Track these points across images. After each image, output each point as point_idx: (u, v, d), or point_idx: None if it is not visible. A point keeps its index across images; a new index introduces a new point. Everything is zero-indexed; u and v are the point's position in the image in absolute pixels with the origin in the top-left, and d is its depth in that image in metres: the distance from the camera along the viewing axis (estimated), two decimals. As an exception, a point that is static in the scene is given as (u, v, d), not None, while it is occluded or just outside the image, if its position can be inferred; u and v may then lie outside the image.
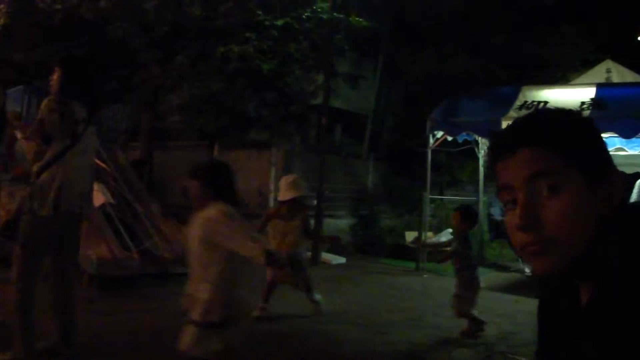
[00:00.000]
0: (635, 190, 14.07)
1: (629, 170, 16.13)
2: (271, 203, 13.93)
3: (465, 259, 7.48)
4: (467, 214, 7.80)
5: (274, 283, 7.54)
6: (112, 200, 10.43)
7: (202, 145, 15.25)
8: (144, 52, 14.31)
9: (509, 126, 1.29)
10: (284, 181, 7.61)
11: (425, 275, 11.97)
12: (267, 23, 13.86)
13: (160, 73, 14.58)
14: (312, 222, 12.82)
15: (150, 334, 6.80)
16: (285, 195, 7.39)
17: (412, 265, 12.79)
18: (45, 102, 5.14)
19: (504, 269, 12.86)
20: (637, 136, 10.70)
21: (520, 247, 1.22)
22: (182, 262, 10.10)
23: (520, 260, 11.32)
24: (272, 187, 14.02)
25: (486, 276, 11.41)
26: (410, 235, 14.54)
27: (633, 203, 1.31)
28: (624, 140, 11.84)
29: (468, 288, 7.40)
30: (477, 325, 7.28)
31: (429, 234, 13.89)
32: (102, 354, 5.97)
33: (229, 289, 3.97)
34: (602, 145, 1.26)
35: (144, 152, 15.27)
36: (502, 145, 1.25)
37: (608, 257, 1.12)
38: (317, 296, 8.01)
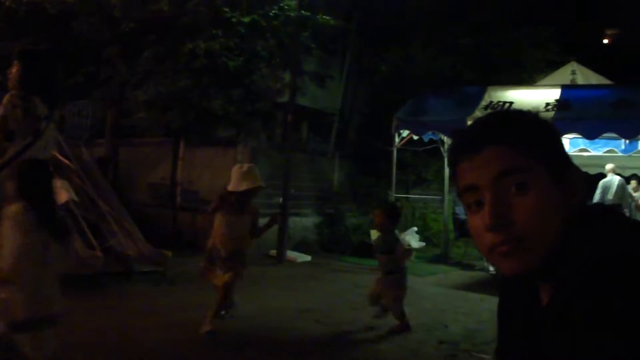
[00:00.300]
0: (598, 191, 14.32)
1: (592, 171, 16.40)
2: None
3: (396, 261, 7.48)
4: (391, 211, 7.86)
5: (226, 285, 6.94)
6: (75, 198, 10.30)
7: (168, 142, 15.15)
8: (110, 47, 14.18)
9: (472, 125, 1.29)
10: (237, 170, 6.80)
11: (390, 274, 12.00)
12: (234, 20, 13.79)
13: (126, 69, 14.45)
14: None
15: (112, 333, 6.76)
16: (237, 185, 6.63)
17: (377, 263, 12.78)
18: (7, 97, 5.01)
19: (469, 267, 12.96)
20: (601, 137, 10.85)
21: (489, 248, 1.20)
22: (146, 260, 10.11)
23: (485, 259, 11.41)
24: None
25: (451, 275, 11.55)
26: (375, 234, 14.58)
27: (596, 203, 1.32)
28: (587, 141, 12.00)
29: (401, 288, 7.55)
30: (405, 324, 7.41)
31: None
32: (63, 353, 5.91)
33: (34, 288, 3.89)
34: (562, 144, 1.27)
35: (109, 149, 15.12)
36: (467, 143, 1.24)
37: (571, 258, 1.11)
38: (236, 299, 7.40)
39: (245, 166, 6.96)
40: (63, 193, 9.96)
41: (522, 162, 1.16)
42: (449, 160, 1.31)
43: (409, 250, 14.04)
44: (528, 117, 1.26)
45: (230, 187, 6.73)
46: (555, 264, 1.15)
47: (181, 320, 7.46)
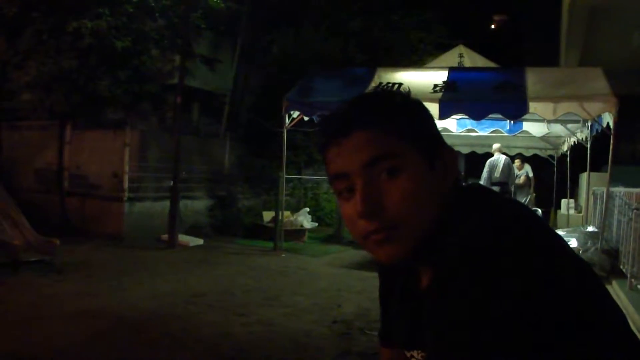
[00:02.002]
0: (485, 169, 14.81)
1: (479, 151, 16.97)
2: (126, 185, 13.62)
3: None
4: None
5: None
6: (-45, 185, 9.93)
7: (54, 125, 14.68)
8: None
9: (340, 108, 1.24)
10: None
11: (283, 255, 12.11)
12: (121, -2, 13.47)
13: (7, 48, 13.90)
14: (166, 204, 12.73)
15: (-1, 326, 6.55)
16: None
17: (270, 245, 12.89)
18: None
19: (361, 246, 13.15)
20: (487, 118, 11.18)
21: (363, 236, 1.17)
22: (33, 249, 9.80)
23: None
24: (127, 168, 13.70)
25: (344, 254, 11.71)
26: (268, 215, 14.65)
27: (470, 184, 1.32)
28: (474, 122, 12.33)
29: None
30: None
31: (287, 213, 14.02)
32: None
33: None
34: (433, 123, 1.26)
35: (-9, 133, 14.58)
36: (335, 128, 1.19)
37: (447, 240, 1.09)
38: None
39: None
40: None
41: (392, 147, 1.14)
42: (318, 146, 1.26)
43: (302, 230, 14.18)
44: (397, 98, 1.24)
45: None
46: (432, 247, 1.14)
47: (70, 310, 7.28)
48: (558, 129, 13.62)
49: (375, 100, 1.24)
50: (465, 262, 1.00)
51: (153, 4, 13.95)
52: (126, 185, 13.65)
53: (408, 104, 1.23)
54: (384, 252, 1.17)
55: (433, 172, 1.16)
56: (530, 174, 16.66)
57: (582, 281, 1.03)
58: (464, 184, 1.27)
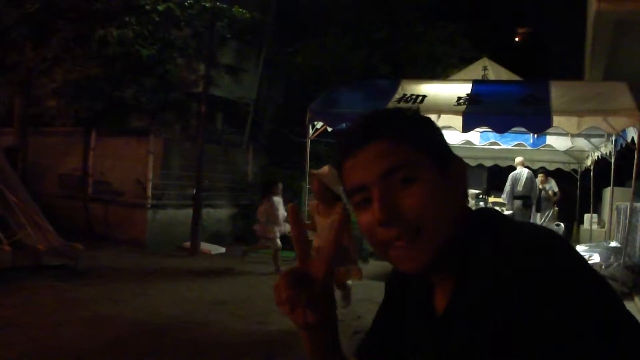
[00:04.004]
0: (508, 183, 14.74)
1: (502, 164, 16.88)
2: (149, 192, 13.71)
3: None
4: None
5: None
6: (-19, 190, 10.03)
7: (79, 131, 14.80)
8: (16, 29, 13.74)
9: (355, 122, 1.28)
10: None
11: (305, 265, 12.06)
12: (147, 7, 13.54)
13: (34, 55, 14.05)
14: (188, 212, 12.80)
15: (20, 329, 6.60)
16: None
17: (291, 254, 12.80)
18: None
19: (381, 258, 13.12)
20: (510, 131, 11.11)
21: (383, 245, 1.19)
22: (57, 254, 9.89)
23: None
24: (150, 175, 13.79)
25: (364, 265, 11.67)
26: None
27: (480, 208, 1.35)
28: (497, 135, 12.28)
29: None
30: None
31: (307, 223, 14.01)
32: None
33: None
34: (442, 135, 1.29)
35: (17, 138, 14.68)
36: (350, 141, 1.23)
37: (472, 258, 1.13)
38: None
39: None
40: (-32, 185, 9.70)
41: (405, 157, 1.17)
42: (334, 161, 1.29)
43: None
44: (408, 112, 1.28)
45: None
46: (452, 260, 1.18)
47: (91, 315, 7.34)
48: (582, 143, 13.51)
49: (387, 114, 1.27)
50: (525, 283, 1.02)
51: (179, 14, 14.05)
52: (149, 192, 13.75)
53: (418, 117, 1.28)
54: (408, 262, 1.19)
55: (445, 181, 1.19)
56: (555, 189, 16.54)
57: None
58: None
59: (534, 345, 0.98)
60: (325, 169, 6.34)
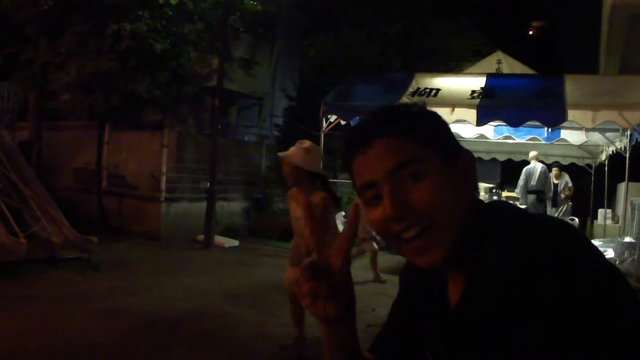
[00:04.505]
0: (521, 177, 14.67)
1: (516, 158, 16.80)
2: (163, 185, 13.76)
3: None
4: None
5: None
6: (-3, 183, 10.09)
7: (93, 125, 14.86)
8: (30, 25, 13.81)
9: (362, 120, 1.29)
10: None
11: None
12: (161, 1, 13.59)
13: (48, 50, 14.11)
14: (202, 205, 12.83)
15: (37, 321, 6.65)
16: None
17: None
18: None
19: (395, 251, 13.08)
20: (524, 125, 11.07)
21: (397, 241, 1.21)
22: (71, 246, 9.95)
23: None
24: (164, 169, 13.84)
25: (381, 259, 11.66)
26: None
27: (492, 201, 1.35)
28: (511, 129, 12.24)
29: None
30: None
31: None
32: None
33: None
34: (449, 129, 1.29)
35: (32, 132, 14.76)
36: (358, 138, 1.24)
37: (488, 252, 1.14)
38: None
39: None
40: (-16, 178, 9.76)
41: (413, 153, 1.18)
42: (343, 159, 1.30)
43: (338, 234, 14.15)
44: (413, 109, 1.28)
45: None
46: (465, 254, 1.18)
47: (106, 307, 7.39)
48: (596, 137, 13.42)
49: (394, 111, 1.27)
50: (543, 272, 1.03)
51: (192, 7, 14.08)
52: (163, 185, 13.79)
53: (424, 113, 1.28)
54: (423, 257, 1.19)
55: (454, 174, 1.20)
56: (570, 184, 16.45)
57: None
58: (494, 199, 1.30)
59: (554, 333, 0.99)
60: (293, 149, 5.75)
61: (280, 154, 5.68)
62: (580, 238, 1.09)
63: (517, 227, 1.13)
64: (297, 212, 5.77)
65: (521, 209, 1.28)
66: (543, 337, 1.00)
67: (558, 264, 1.02)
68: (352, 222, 1.24)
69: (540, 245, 1.06)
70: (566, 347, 0.98)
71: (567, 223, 1.14)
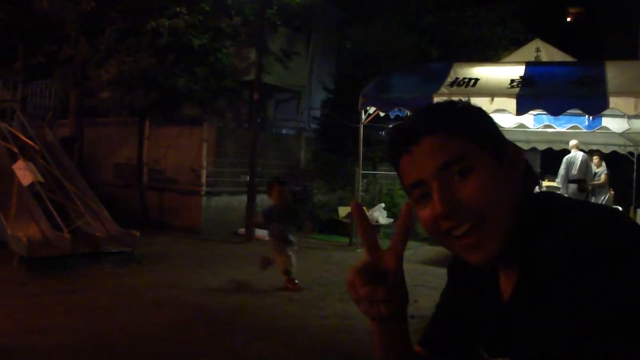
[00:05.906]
0: (562, 166, 14.48)
1: (556, 147, 16.58)
2: (203, 179, 13.86)
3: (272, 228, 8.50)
4: (269, 184, 8.82)
5: None
6: (41, 179, 10.24)
7: (133, 121, 15.01)
8: (71, 24, 13.98)
9: (407, 118, 1.29)
10: None
11: (359, 250, 12.05)
12: (198, -3, 13.70)
13: (88, 48, 14.27)
14: (242, 198, 12.89)
15: (81, 314, 6.74)
16: None
17: (345, 240, 12.94)
18: None
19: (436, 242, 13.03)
20: (564, 114, 10.92)
21: (448, 239, 1.19)
22: (114, 241, 10.09)
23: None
24: (204, 163, 13.93)
25: (420, 250, 11.64)
26: (343, 211, 14.65)
27: (541, 192, 1.34)
28: (551, 117, 12.08)
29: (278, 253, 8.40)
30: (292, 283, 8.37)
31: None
32: (31, 334, 5.88)
33: None
34: (495, 124, 1.27)
35: (73, 129, 14.96)
36: (404, 137, 1.22)
37: (541, 246, 1.12)
38: None
39: None
40: (28, 174, 9.92)
41: (461, 149, 1.16)
42: (390, 158, 1.30)
43: (378, 226, 14.14)
44: (458, 105, 1.27)
45: None
46: (518, 249, 1.17)
47: (149, 300, 7.47)
48: (639, 124, 13.21)
49: (440, 108, 1.26)
50: (600, 260, 1.01)
51: (229, 2, 14.14)
52: (204, 179, 13.90)
53: (470, 109, 1.26)
54: (476, 254, 1.18)
55: (502, 168, 1.18)
56: (605, 171, 16.18)
57: None
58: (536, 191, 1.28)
59: (612, 323, 0.96)
60: None
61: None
62: (633, 224, 1.07)
63: (572, 219, 1.11)
64: None
65: (573, 199, 1.25)
66: (605, 327, 0.97)
67: (618, 252, 1.00)
68: (406, 222, 1.23)
69: (598, 235, 1.04)
70: (630, 335, 0.96)
71: (621, 212, 1.12)
